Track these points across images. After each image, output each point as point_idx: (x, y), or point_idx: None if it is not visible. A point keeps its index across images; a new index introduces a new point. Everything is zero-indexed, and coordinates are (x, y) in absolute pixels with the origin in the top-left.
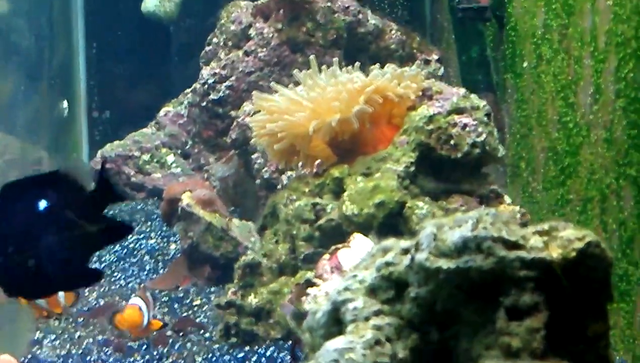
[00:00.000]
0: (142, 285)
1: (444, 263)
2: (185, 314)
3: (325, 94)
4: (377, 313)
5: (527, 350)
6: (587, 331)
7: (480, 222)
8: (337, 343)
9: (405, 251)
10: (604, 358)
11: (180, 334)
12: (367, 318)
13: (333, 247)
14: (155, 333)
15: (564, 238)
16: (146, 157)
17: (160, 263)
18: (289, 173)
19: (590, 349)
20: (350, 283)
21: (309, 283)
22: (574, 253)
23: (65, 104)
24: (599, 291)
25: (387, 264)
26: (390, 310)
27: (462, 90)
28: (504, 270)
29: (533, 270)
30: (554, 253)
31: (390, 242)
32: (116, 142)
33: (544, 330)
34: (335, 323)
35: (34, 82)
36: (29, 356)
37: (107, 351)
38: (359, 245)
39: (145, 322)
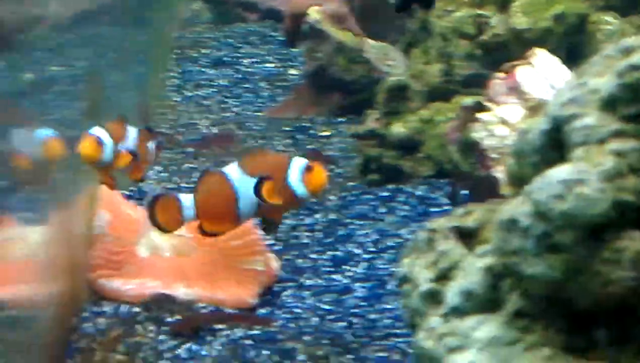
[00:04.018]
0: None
1: None
2: (311, 147)
3: None
4: (617, 133)
5: None
6: None
7: None
8: (562, 172)
9: None
10: None
11: None
12: (602, 141)
13: (509, 64)
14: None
15: None
16: None
17: (279, 90)
18: None
19: None
20: (579, 93)
21: (479, 107)
22: None
23: None
24: None
25: (634, 67)
26: (635, 130)
27: None
28: None
29: None
30: None
31: (634, 39)
32: None
33: None
34: (556, 146)
35: None
36: (134, 188)
37: None
38: (543, 63)
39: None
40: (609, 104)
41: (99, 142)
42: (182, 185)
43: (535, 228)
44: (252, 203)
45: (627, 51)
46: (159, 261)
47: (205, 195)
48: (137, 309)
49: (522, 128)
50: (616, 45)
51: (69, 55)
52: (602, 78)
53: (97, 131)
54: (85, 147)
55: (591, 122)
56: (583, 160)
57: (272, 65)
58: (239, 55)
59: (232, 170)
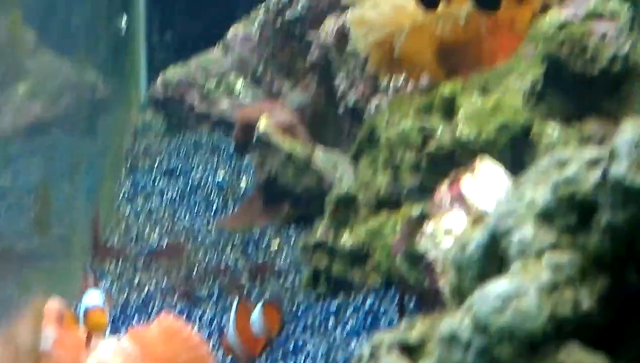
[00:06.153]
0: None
1: None
2: (261, 259)
3: None
4: (553, 246)
5: None
6: None
7: None
8: (500, 286)
9: (594, 163)
10: None
11: (257, 282)
12: (540, 254)
13: (453, 175)
14: None
15: None
16: (212, 83)
17: (230, 201)
18: (378, 99)
19: None
20: (516, 206)
21: (424, 218)
22: None
23: (124, 19)
24: None
25: (568, 181)
26: (571, 243)
27: None
28: None
29: None
30: None
31: (568, 152)
32: (179, 66)
33: None
34: (494, 259)
35: None
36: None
37: (172, 299)
38: (487, 173)
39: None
40: (545, 217)
41: (103, 310)
42: (133, 298)
43: (475, 342)
44: None
45: (561, 164)
46: None
47: None
48: None
49: (461, 240)
50: (550, 158)
51: (17, 167)
52: (537, 190)
53: (95, 299)
54: (96, 319)
55: (528, 235)
56: (520, 274)
57: (223, 176)
58: (190, 165)
59: None
